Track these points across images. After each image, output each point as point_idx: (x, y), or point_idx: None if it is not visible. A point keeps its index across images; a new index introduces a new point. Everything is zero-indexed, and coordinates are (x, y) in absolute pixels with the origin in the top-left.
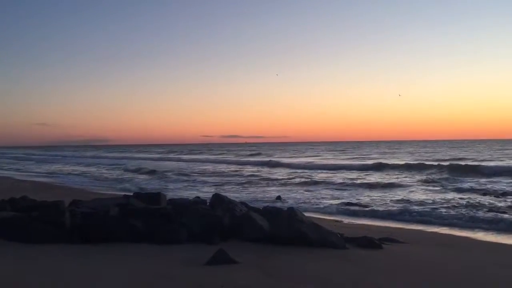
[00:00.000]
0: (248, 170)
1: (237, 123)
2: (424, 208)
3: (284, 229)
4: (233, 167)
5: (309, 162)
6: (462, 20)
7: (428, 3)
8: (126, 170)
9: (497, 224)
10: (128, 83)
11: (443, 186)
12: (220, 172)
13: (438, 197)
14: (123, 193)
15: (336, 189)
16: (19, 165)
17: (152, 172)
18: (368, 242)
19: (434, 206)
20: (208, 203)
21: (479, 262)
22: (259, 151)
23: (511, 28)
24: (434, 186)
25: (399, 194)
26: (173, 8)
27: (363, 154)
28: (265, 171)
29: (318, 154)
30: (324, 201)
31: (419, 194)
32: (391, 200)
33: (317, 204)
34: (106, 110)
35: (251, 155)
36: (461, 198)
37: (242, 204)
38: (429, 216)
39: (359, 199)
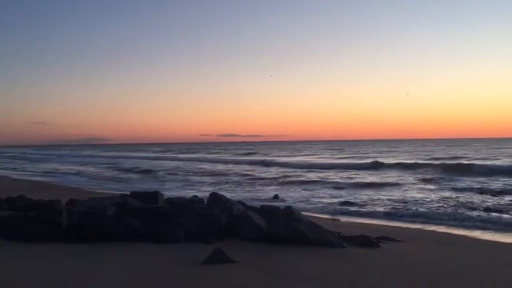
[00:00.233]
0: (242, 169)
1: (235, 122)
2: (421, 207)
3: (281, 228)
4: (224, 166)
5: (306, 161)
6: (462, 19)
7: (426, 1)
8: (120, 169)
9: (494, 223)
10: (126, 82)
11: (439, 185)
12: (213, 171)
13: (434, 195)
14: (120, 193)
15: (333, 188)
16: (15, 164)
17: (146, 171)
18: (366, 240)
19: (431, 205)
20: (205, 202)
21: (476, 261)
22: (256, 150)
23: (511, 26)
24: (430, 184)
25: (396, 193)
26: (171, 7)
27: (360, 153)
28: (259, 171)
29: (315, 153)
30: (322, 200)
31: (416, 193)
32: (388, 199)
33: (314, 203)
34: (104, 109)
35: (246, 154)
36: (457, 197)
37: (239, 203)
38: (426, 214)
39: (356, 198)
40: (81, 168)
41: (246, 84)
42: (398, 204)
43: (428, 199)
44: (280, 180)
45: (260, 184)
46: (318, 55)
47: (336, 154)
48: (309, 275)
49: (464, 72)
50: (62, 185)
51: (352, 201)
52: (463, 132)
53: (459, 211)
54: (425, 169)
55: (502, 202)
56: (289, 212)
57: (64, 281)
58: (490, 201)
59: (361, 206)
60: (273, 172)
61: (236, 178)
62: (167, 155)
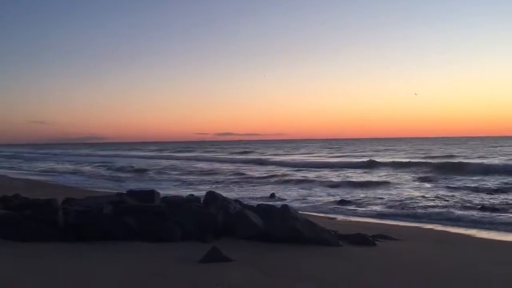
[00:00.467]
0: (239, 168)
1: (232, 120)
2: (417, 205)
3: (278, 227)
4: (220, 165)
5: (302, 160)
6: (460, 17)
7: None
8: (113, 168)
9: (489, 221)
10: (125, 81)
11: (435, 184)
12: (210, 170)
13: (431, 194)
14: (116, 191)
15: (329, 187)
16: (11, 163)
17: (139, 170)
18: (362, 239)
19: (427, 204)
20: (202, 201)
21: (472, 259)
22: (252, 149)
23: (510, 25)
24: (427, 183)
25: (392, 192)
26: (169, 7)
27: (357, 151)
28: (255, 169)
29: (312, 152)
30: (318, 198)
31: (412, 191)
32: (384, 197)
33: (311, 202)
34: (103, 108)
35: (243, 153)
36: (453, 196)
37: (236, 201)
38: (422, 213)
39: (352, 196)
40: (73, 167)
41: (243, 83)
42: (394, 202)
43: (424, 198)
44: (277, 179)
45: (256, 183)
46: (315, 54)
47: (333, 153)
48: (306, 274)
49: (463, 71)
50: (58, 184)
51: (349, 199)
52: (461, 130)
53: (455, 209)
54: (421, 168)
55: (497, 201)
56: (286, 211)
57: (61, 280)
58: (486, 199)
59: (358, 204)
60: (269, 171)
61: (232, 177)
62: (163, 154)
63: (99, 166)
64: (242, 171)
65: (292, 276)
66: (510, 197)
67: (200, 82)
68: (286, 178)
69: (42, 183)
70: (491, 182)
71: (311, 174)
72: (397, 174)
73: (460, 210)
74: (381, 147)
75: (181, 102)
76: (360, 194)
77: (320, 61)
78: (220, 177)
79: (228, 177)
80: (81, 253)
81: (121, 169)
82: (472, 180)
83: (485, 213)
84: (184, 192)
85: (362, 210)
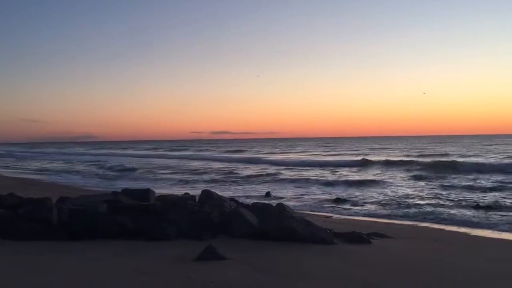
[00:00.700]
0: (234, 166)
1: (227, 119)
2: (412, 204)
3: (273, 225)
4: (215, 164)
5: (298, 159)
6: (459, 15)
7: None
8: (104, 167)
9: (483, 219)
10: (119, 79)
11: (429, 182)
12: (204, 169)
13: (425, 192)
14: (111, 190)
15: (325, 186)
16: (3, 162)
17: (128, 169)
18: (357, 237)
19: (422, 202)
20: (197, 200)
21: (466, 257)
22: (247, 147)
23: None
24: (421, 181)
25: (387, 190)
26: (164, 6)
27: (352, 150)
28: (250, 168)
29: (307, 150)
30: (313, 197)
31: (407, 190)
32: (379, 196)
33: (306, 200)
34: (96, 106)
35: (238, 151)
36: (448, 194)
37: (231, 200)
38: (417, 211)
39: (347, 195)
40: (63, 166)
41: (239, 82)
42: (389, 201)
43: (418, 196)
44: (272, 177)
45: (252, 182)
46: (311, 53)
47: (328, 152)
48: (301, 272)
49: (461, 69)
50: (51, 182)
51: (344, 198)
52: (456, 129)
53: (450, 208)
54: (414, 166)
55: (491, 199)
56: (281, 209)
57: (55, 279)
58: (480, 198)
59: (353, 203)
60: (265, 169)
61: (228, 176)
62: (156, 152)
63: (91, 165)
64: (237, 170)
65: (287, 274)
66: (503, 196)
67: (196, 81)
68: (281, 176)
69: (35, 181)
70: (485, 180)
71: (306, 173)
72: (390, 173)
73: (454, 208)
74: (376, 146)
75: (176, 100)
76: (355, 192)
77: (316, 60)
78: (215, 176)
79: (223, 176)
80: (75, 252)
81: (112, 168)
82: (466, 178)
83: (479, 212)
84: (179, 191)
85: (357, 209)
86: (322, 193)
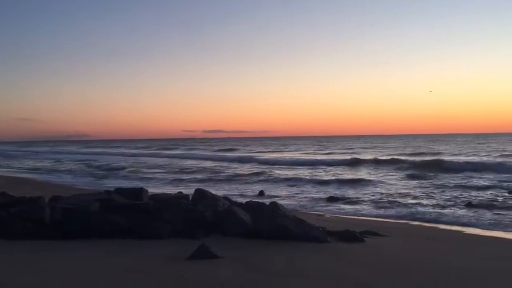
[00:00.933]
0: (227, 165)
1: (220, 118)
2: (404, 202)
3: (266, 224)
4: (209, 163)
5: (291, 158)
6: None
7: None
8: (91, 166)
9: (476, 218)
10: (111, 78)
11: (422, 181)
12: (198, 168)
13: (417, 191)
14: (104, 189)
15: (318, 184)
16: None
17: (116, 168)
18: (350, 235)
19: (414, 200)
20: (190, 199)
21: (459, 255)
22: (240, 146)
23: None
24: (413, 180)
25: (380, 189)
26: (157, 4)
27: (345, 148)
28: (244, 167)
29: (301, 149)
30: (307, 195)
31: (399, 188)
32: (372, 194)
33: (299, 199)
34: (89, 105)
35: (231, 150)
36: (440, 192)
37: (225, 199)
38: (409, 209)
39: (341, 193)
40: (51, 165)
41: (232, 80)
42: (381, 199)
43: (411, 195)
44: (266, 176)
45: (245, 181)
46: (305, 51)
47: (322, 150)
48: (294, 270)
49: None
50: (43, 181)
51: (337, 196)
52: (450, 128)
53: (442, 206)
54: (406, 165)
55: (483, 197)
56: (274, 208)
57: (47, 278)
58: (472, 196)
59: (346, 201)
60: (258, 168)
61: (221, 175)
62: (147, 151)
63: (79, 164)
64: (230, 169)
65: (281, 273)
66: (494, 194)
67: (189, 80)
68: (275, 175)
69: (26, 180)
70: (476, 179)
71: (299, 172)
72: (382, 172)
73: (446, 207)
74: (369, 144)
75: (169, 99)
76: (347, 191)
77: (310, 59)
78: (208, 175)
79: (216, 175)
80: (67, 251)
81: (100, 167)
82: (457, 177)
83: (471, 210)
84: (172, 190)
85: (351, 207)
86: (315, 192)
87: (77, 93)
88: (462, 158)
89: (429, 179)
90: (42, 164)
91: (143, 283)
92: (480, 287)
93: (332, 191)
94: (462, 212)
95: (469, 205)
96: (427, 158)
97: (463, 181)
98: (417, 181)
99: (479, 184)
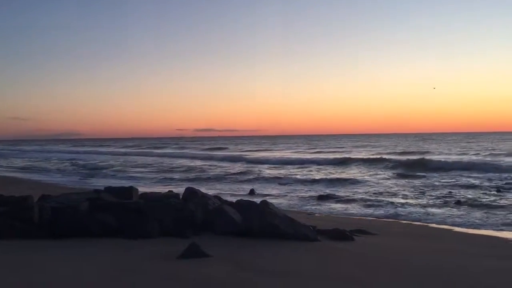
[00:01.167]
0: (218, 164)
1: (212, 116)
2: (393, 201)
3: (256, 222)
4: (200, 162)
5: (282, 157)
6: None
7: None
8: (76, 165)
9: (465, 216)
10: (102, 77)
11: (411, 180)
12: (189, 167)
13: (406, 190)
14: (94, 188)
15: (308, 183)
16: None
17: (99, 167)
18: (340, 234)
19: (403, 199)
20: (181, 197)
21: (448, 252)
22: (231, 145)
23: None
24: (402, 179)
25: (370, 188)
26: (146, 4)
27: (336, 147)
28: (234, 166)
29: (291, 148)
30: (297, 194)
31: (389, 187)
32: (362, 193)
33: (290, 198)
34: (82, 104)
35: (222, 149)
36: (429, 191)
37: (215, 197)
38: (399, 208)
39: (331, 192)
40: (37, 164)
41: (223, 79)
42: (372, 198)
43: (400, 193)
44: (256, 175)
45: (236, 179)
46: (296, 50)
47: (312, 149)
48: (284, 268)
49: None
50: (32, 180)
51: (327, 195)
52: (440, 127)
53: (431, 204)
54: (395, 164)
55: (472, 196)
56: (265, 207)
57: (36, 278)
58: (462, 195)
59: (336, 200)
60: (249, 167)
61: (211, 173)
62: (136, 150)
63: (65, 163)
64: (220, 168)
65: (271, 271)
66: (483, 193)
67: (180, 78)
68: (265, 174)
69: (13, 180)
70: (465, 178)
71: (290, 170)
72: (372, 171)
73: (435, 205)
74: (359, 143)
75: (160, 98)
76: (338, 190)
77: (301, 57)
78: (198, 174)
79: (206, 174)
80: (56, 250)
81: (85, 166)
82: (446, 176)
83: (459, 208)
84: (163, 189)
85: (340, 206)
86: (306, 191)
87: (70, 92)
88: (452, 157)
89: (418, 178)
90: (30, 163)
91: (133, 282)
92: (470, 284)
93: (322, 190)
94: (451, 210)
95: (458, 203)
96: (416, 157)
97: (452, 180)
98: (406, 180)
99: (468, 183)
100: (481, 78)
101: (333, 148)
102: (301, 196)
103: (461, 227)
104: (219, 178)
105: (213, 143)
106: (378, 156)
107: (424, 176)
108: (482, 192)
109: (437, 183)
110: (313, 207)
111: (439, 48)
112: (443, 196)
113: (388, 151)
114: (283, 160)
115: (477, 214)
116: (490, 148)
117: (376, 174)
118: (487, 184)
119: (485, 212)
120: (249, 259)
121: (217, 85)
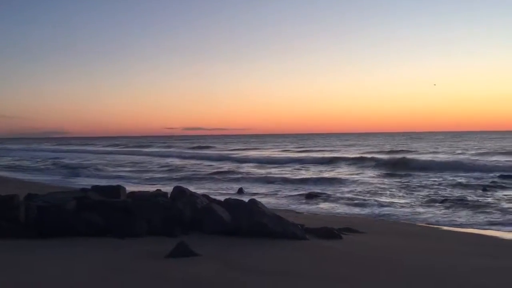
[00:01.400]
0: (206, 163)
1: (201, 115)
2: (381, 200)
3: (245, 221)
4: (186, 161)
5: (270, 156)
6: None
7: None
8: (57, 164)
9: (451, 214)
10: (91, 75)
11: (398, 179)
12: (177, 166)
13: (394, 189)
14: (81, 187)
15: (297, 182)
16: None
17: (81, 167)
18: (328, 232)
19: (391, 198)
20: (169, 196)
21: (435, 250)
22: (220, 144)
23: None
24: (389, 178)
25: (357, 187)
26: (134, 2)
27: (325, 146)
28: (222, 164)
29: (280, 147)
30: (285, 193)
31: (376, 186)
32: (349, 192)
33: (278, 197)
34: (69, 103)
35: (210, 148)
36: (416, 190)
37: (204, 196)
38: (386, 207)
39: (319, 191)
40: (18, 163)
41: (212, 78)
42: (359, 197)
43: (387, 192)
44: (244, 174)
45: (224, 178)
46: (285, 48)
47: (301, 148)
48: (272, 267)
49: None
50: (17, 179)
51: (315, 194)
52: (427, 125)
53: (418, 203)
54: (382, 163)
55: (459, 195)
56: (253, 205)
57: (24, 278)
58: (449, 194)
59: (324, 199)
60: (237, 166)
61: (199, 172)
62: (122, 149)
63: (51, 161)
64: (209, 167)
65: (260, 270)
66: (469, 192)
67: (169, 77)
68: (254, 173)
69: (2, 178)
70: (452, 177)
71: (278, 169)
72: (359, 170)
73: (422, 204)
74: (347, 143)
75: (149, 96)
76: (326, 189)
77: (292, 56)
78: (186, 173)
79: (195, 172)
80: (43, 250)
81: (67, 165)
82: (433, 175)
83: (446, 207)
84: (151, 187)
85: (329, 205)
86: (294, 190)
87: (57, 91)
88: (439, 156)
89: (406, 176)
90: (14, 162)
91: (121, 281)
92: (460, 283)
93: (310, 188)
94: (437, 209)
95: (444, 202)
96: (404, 156)
97: (439, 179)
98: (393, 179)
99: (455, 182)
100: (471, 78)
101: (322, 147)
102: (289, 195)
103: (448, 226)
104: (207, 177)
105: (201, 141)
106: (367, 156)
107: (411, 175)
108: (468, 191)
109: (424, 182)
110: (301, 206)
111: (434, 46)
112: (430, 195)
113: (376, 150)
114: (271, 159)
115: (464, 212)
116: (476, 147)
117: (364, 173)
118: (473, 183)
119: (472, 211)
120: (238, 258)
121: (207, 84)
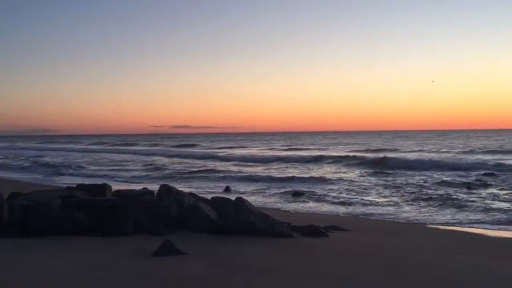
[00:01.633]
0: (192, 162)
1: (188, 113)
2: (366, 198)
3: (231, 219)
4: (173, 159)
5: (257, 154)
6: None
7: None
8: (37, 163)
9: (436, 212)
10: (78, 73)
11: (383, 177)
12: (163, 164)
13: (379, 187)
14: (66, 186)
15: (283, 180)
16: None
17: (61, 165)
18: (315, 230)
19: (376, 196)
20: (155, 194)
21: (420, 248)
22: (207, 142)
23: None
24: (375, 177)
25: (343, 185)
26: (120, 1)
27: (312, 145)
28: (209, 163)
29: (267, 145)
30: (272, 191)
31: (362, 184)
32: (335, 190)
33: (265, 195)
34: (56, 100)
35: (197, 146)
36: (401, 188)
37: (190, 194)
38: (372, 205)
39: (305, 190)
40: (1, 161)
41: (200, 76)
42: (345, 195)
43: (373, 190)
44: (231, 172)
45: (211, 177)
46: (275, 46)
47: (289, 146)
48: (260, 265)
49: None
50: (1, 177)
51: (302, 192)
52: (413, 124)
53: (403, 201)
54: (368, 161)
55: (443, 193)
56: (240, 203)
57: (7, 277)
58: (433, 192)
59: (310, 197)
60: (224, 164)
61: (186, 170)
62: (108, 147)
63: (34, 159)
64: (195, 165)
65: (246, 268)
66: (454, 190)
67: (156, 75)
68: (241, 171)
69: None
70: (437, 175)
71: (265, 168)
72: (345, 168)
73: (406, 202)
74: (334, 141)
75: (136, 94)
76: (312, 187)
77: (282, 54)
78: (172, 171)
79: (181, 171)
80: (27, 249)
81: (47, 164)
82: (417, 173)
83: (431, 205)
84: (137, 186)
85: (315, 203)
86: (281, 188)
87: (43, 88)
88: (425, 155)
89: (391, 175)
90: None
91: (106, 280)
92: (446, 280)
93: (297, 187)
94: (422, 207)
95: (429, 200)
96: (388, 155)
97: (424, 177)
98: (379, 177)
99: (439, 180)
100: (459, 76)
101: (310, 146)
102: (276, 193)
103: (433, 224)
104: (194, 175)
105: (188, 139)
106: (353, 154)
107: (396, 173)
108: (453, 189)
109: (409, 180)
110: (287, 204)
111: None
112: (414, 193)
113: (362, 148)
114: (258, 157)
115: (448, 210)
116: (461, 145)
117: (350, 172)
118: (458, 181)
119: (456, 209)
120: (224, 256)
121: (195, 82)
